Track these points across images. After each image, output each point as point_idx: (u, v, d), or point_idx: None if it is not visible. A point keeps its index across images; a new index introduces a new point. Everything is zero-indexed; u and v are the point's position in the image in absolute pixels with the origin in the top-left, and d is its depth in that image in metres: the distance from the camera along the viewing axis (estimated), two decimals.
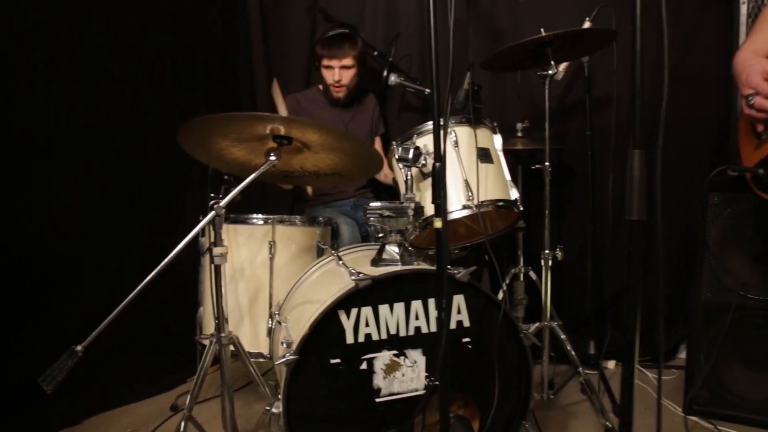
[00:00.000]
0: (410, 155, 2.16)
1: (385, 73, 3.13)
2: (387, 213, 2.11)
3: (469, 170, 2.25)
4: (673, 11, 3.05)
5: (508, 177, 2.35)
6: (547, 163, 2.58)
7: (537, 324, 2.68)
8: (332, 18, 3.53)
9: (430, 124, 2.30)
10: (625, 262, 3.11)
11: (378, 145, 3.42)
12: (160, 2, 3.16)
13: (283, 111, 3.00)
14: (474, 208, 2.19)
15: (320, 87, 3.31)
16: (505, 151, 2.41)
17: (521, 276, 2.88)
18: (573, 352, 2.66)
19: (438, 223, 1.56)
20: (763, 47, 1.76)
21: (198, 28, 3.39)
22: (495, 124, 2.39)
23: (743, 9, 2.76)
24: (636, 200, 1.20)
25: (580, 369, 2.66)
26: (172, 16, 3.23)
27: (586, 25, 2.72)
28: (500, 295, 2.87)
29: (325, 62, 3.14)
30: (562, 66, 2.85)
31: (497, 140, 2.38)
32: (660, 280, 2.10)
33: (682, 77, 3.01)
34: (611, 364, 3.15)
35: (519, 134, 2.88)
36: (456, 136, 2.28)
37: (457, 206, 2.22)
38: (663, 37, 1.29)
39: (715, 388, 2.59)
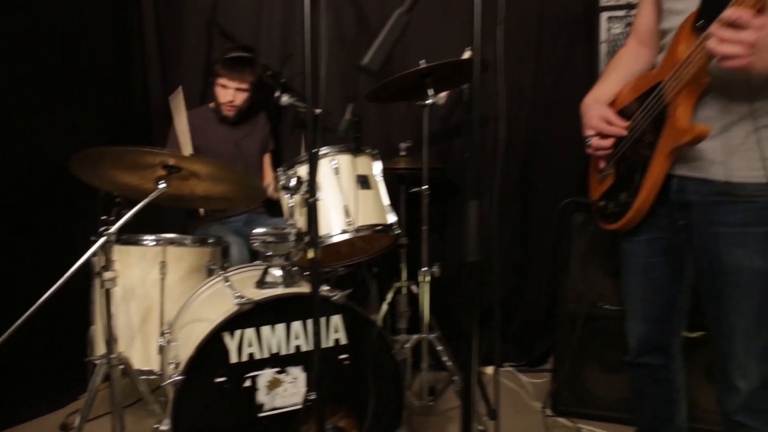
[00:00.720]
0: (292, 184, 2.31)
1: (277, 94, 3.26)
2: (270, 239, 2.26)
3: (348, 196, 2.42)
4: (550, 38, 3.32)
5: (386, 202, 2.53)
6: (425, 186, 2.78)
7: (416, 336, 2.89)
8: (229, 35, 3.63)
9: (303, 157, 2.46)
10: (505, 272, 3.39)
11: (267, 161, 3.54)
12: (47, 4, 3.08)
13: (182, 123, 3.07)
14: (351, 233, 2.36)
15: (211, 105, 3.40)
16: (389, 171, 2.59)
17: (403, 290, 3.08)
18: (449, 362, 2.88)
19: (311, 254, 1.71)
20: (604, 95, 1.91)
21: (89, 33, 3.34)
22: (376, 152, 2.57)
23: (602, 48, 3.05)
24: (472, 244, 1.36)
25: (455, 378, 2.88)
26: (60, 20, 3.16)
27: (466, 54, 2.95)
28: (383, 308, 3.09)
29: (222, 81, 3.24)
30: (443, 93, 3.07)
31: (377, 167, 2.56)
32: (495, 292, 2.31)
33: (557, 102, 3.28)
34: (489, 370, 3.40)
35: (402, 153, 3.08)
36: (338, 163, 2.44)
37: (337, 230, 2.38)
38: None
39: (577, 389, 2.89)
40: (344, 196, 2.42)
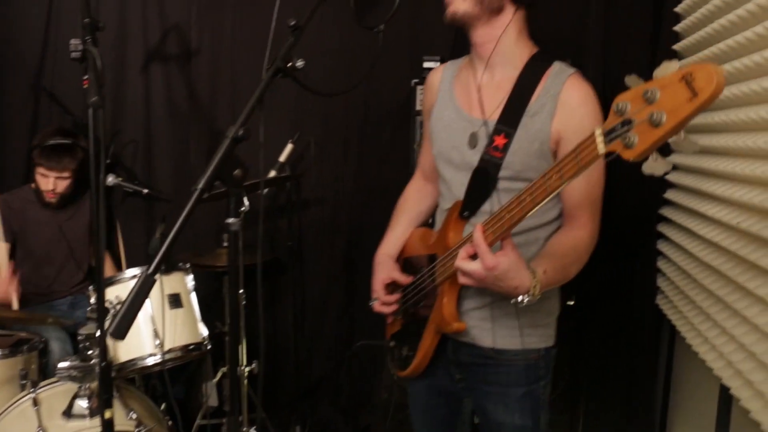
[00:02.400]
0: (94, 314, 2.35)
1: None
2: (74, 373, 2.30)
3: (158, 317, 2.48)
4: (374, 127, 3.47)
5: (198, 316, 2.62)
6: (241, 291, 2.87)
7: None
8: (57, 99, 3.53)
9: (122, 275, 2.51)
10: (328, 348, 3.54)
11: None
12: None
13: None
14: (161, 356, 2.44)
15: (33, 186, 3.30)
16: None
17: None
18: None
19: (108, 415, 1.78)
20: (395, 246, 2.01)
21: None
22: (188, 266, 2.64)
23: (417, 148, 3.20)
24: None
25: None
26: None
27: (287, 149, 3.07)
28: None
29: (41, 171, 3.16)
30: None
31: (189, 280, 2.63)
32: None
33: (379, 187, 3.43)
34: None
35: (225, 245, 3.14)
36: None
37: (146, 354, 2.45)
38: None
39: None
40: (153, 317, 2.48)
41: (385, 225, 3.38)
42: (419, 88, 2.96)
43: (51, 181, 3.18)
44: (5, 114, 3.59)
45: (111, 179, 3.16)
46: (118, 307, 2.40)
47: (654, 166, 1.10)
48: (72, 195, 3.30)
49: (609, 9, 2.97)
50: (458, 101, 1.82)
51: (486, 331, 1.76)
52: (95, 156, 1.67)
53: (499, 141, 1.66)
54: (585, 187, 1.66)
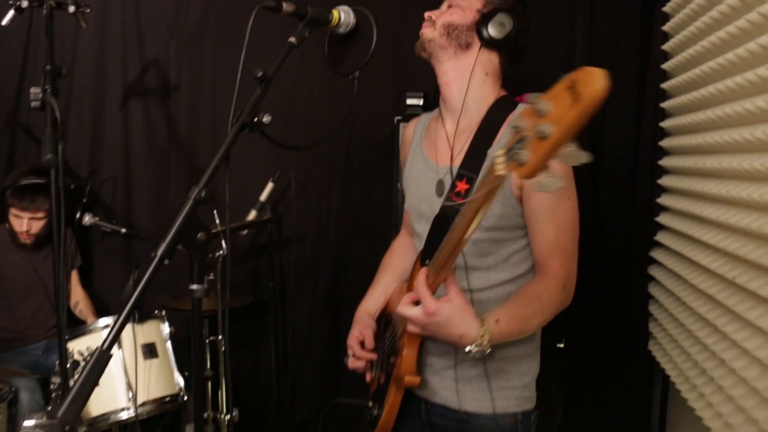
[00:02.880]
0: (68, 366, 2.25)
1: (78, 215, 3.14)
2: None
3: (132, 368, 2.38)
4: (358, 160, 3.35)
5: (174, 366, 2.51)
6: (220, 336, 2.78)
7: None
8: (34, 136, 3.45)
9: (93, 324, 2.41)
10: (312, 392, 3.43)
11: (75, 278, 3.39)
12: None
13: None
14: (133, 410, 2.33)
15: (6, 226, 3.21)
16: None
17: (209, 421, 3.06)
18: None
19: None
20: (375, 304, 1.96)
21: None
22: (164, 313, 2.54)
23: None
24: None
25: None
26: None
27: (251, 215, 3.03)
28: None
29: (15, 212, 3.07)
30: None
31: (165, 329, 2.53)
32: None
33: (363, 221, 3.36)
34: None
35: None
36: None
37: (118, 407, 2.34)
38: None
39: None
40: (126, 370, 2.38)
41: (369, 263, 3.29)
42: (402, 125, 2.90)
43: (25, 222, 3.09)
44: None
45: (88, 219, 3.10)
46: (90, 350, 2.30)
47: (543, 183, 1.01)
48: (47, 235, 3.20)
49: (595, 20, 2.94)
50: (426, 152, 1.78)
51: (454, 391, 1.68)
52: (56, 214, 1.58)
53: (461, 186, 1.61)
54: (553, 234, 1.59)
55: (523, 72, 1.88)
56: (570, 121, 0.94)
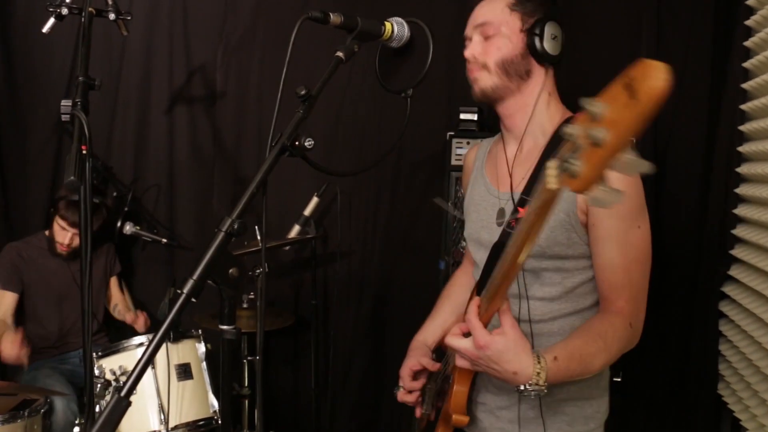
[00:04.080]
0: (99, 385, 2.17)
1: (119, 224, 3.09)
2: None
3: (165, 390, 2.29)
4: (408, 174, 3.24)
5: (209, 387, 2.41)
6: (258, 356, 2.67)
7: None
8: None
9: (127, 342, 2.32)
10: (351, 413, 3.30)
11: (114, 283, 3.33)
12: None
13: None
14: None
15: (47, 233, 3.16)
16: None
17: None
18: None
19: None
20: (433, 335, 1.83)
21: None
22: (200, 332, 2.45)
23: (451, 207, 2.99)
24: None
25: None
26: None
27: (294, 231, 2.92)
28: None
29: (62, 223, 3.02)
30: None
31: (201, 348, 2.44)
32: None
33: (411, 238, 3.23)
34: None
35: (245, 306, 2.94)
36: None
37: (150, 429, 2.25)
38: None
39: None
40: (160, 391, 2.29)
41: (415, 283, 3.21)
42: (455, 141, 2.76)
43: (68, 236, 3.04)
44: (28, 152, 3.47)
45: (129, 228, 3.04)
46: (122, 378, 2.22)
47: (599, 197, 0.86)
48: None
49: (660, 55, 2.74)
50: (488, 178, 1.67)
51: None
52: (84, 234, 1.48)
53: (524, 213, 1.46)
54: (621, 266, 1.43)
55: (582, 81, 1.72)
56: (626, 124, 0.81)
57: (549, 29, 1.48)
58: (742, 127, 2.44)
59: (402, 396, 1.77)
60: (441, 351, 1.78)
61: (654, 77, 0.78)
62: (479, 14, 1.54)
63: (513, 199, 1.53)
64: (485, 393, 1.61)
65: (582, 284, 1.51)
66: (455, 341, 1.35)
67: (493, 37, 1.51)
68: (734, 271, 2.44)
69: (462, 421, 1.49)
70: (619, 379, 2.61)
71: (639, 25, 2.80)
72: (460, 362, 1.38)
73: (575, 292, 1.52)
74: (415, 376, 1.74)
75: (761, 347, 2.12)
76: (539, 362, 1.30)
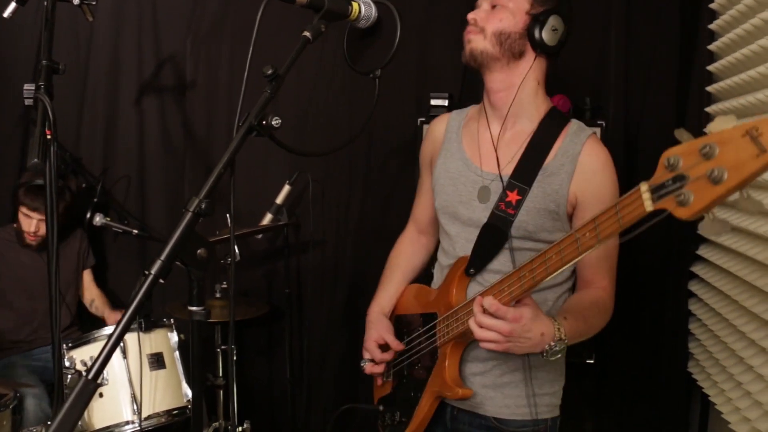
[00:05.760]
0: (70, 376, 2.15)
1: (88, 215, 3.05)
2: None
3: (137, 380, 2.27)
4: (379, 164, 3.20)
5: (182, 376, 2.40)
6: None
7: None
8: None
9: (98, 332, 2.30)
10: (327, 401, 3.29)
11: (88, 277, 3.29)
12: None
13: None
14: (139, 424, 2.22)
15: (15, 225, 3.11)
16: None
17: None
18: None
19: None
20: (388, 303, 1.88)
21: None
22: (172, 321, 2.43)
23: None
24: None
25: None
26: None
27: (266, 219, 2.93)
28: None
29: (25, 211, 2.97)
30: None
31: (173, 338, 2.42)
32: None
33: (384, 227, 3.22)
34: None
35: (218, 296, 2.92)
36: (124, 344, 2.28)
37: (123, 419, 2.23)
38: None
39: None
40: (132, 381, 2.27)
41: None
42: (426, 127, 2.77)
43: (34, 223, 2.99)
44: None
45: (99, 219, 3.00)
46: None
47: (712, 227, 1.01)
48: (63, 234, 3.12)
49: (630, 41, 2.77)
50: (467, 153, 1.69)
51: (489, 399, 1.63)
52: (50, 220, 1.46)
53: (513, 197, 1.57)
54: (604, 254, 1.57)
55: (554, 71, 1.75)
56: (751, 171, 0.92)
57: (552, 20, 1.53)
58: (708, 109, 2.48)
59: (370, 368, 1.81)
60: (397, 320, 1.83)
61: None
62: None
63: (502, 181, 1.58)
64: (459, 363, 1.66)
65: None
66: (488, 320, 1.39)
67: (499, 8, 1.56)
68: (703, 251, 2.48)
69: (467, 394, 1.58)
70: (591, 361, 2.66)
71: (608, 17, 2.82)
72: (488, 343, 1.41)
73: None
74: (381, 347, 1.78)
75: (729, 324, 2.16)
76: (555, 320, 1.43)
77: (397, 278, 1.92)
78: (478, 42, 1.57)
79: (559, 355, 1.43)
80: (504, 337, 1.38)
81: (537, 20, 1.54)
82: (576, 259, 1.28)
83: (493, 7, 1.57)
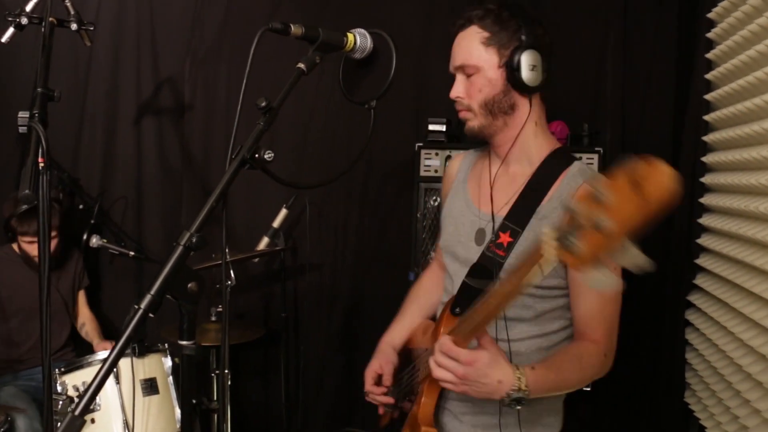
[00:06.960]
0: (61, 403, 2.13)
1: (85, 236, 3.05)
2: None
3: (129, 406, 2.25)
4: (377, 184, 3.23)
5: (175, 402, 2.38)
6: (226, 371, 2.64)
7: None
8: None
9: (92, 357, 2.28)
10: (323, 427, 3.28)
11: (82, 299, 3.27)
12: None
13: None
14: None
15: (15, 246, 3.10)
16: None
17: None
18: None
19: None
20: (399, 336, 1.85)
21: None
22: (166, 346, 2.41)
23: (419, 218, 2.99)
24: None
25: None
26: None
27: (263, 243, 2.90)
28: None
29: (26, 239, 2.96)
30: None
31: (167, 362, 2.40)
32: None
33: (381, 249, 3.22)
34: None
35: (213, 319, 2.91)
36: (117, 369, 2.27)
37: None
38: None
39: None
40: (125, 407, 2.25)
41: (385, 295, 3.19)
42: (424, 152, 2.77)
43: (36, 247, 2.97)
44: None
45: (95, 240, 3.00)
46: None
47: (597, 279, 0.96)
48: (61, 254, 3.12)
49: (627, 65, 2.79)
50: (470, 193, 1.68)
51: None
52: (43, 246, 1.46)
53: (504, 239, 1.53)
54: (597, 304, 1.50)
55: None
56: (628, 218, 0.89)
57: (526, 59, 1.46)
58: (707, 117, 2.50)
59: (370, 398, 1.79)
60: (406, 352, 1.80)
61: (664, 184, 0.85)
62: (457, 55, 1.55)
63: (494, 222, 1.56)
64: (450, 400, 1.64)
65: (553, 310, 1.56)
66: (444, 359, 1.36)
67: (473, 76, 1.52)
68: (700, 280, 2.47)
69: None
70: (589, 389, 2.63)
71: (606, 26, 2.84)
72: (448, 384, 1.38)
73: (545, 316, 1.56)
74: (380, 378, 1.76)
75: (726, 356, 2.14)
76: (518, 369, 1.36)
77: (412, 312, 1.90)
78: (472, 121, 1.55)
79: (520, 406, 1.36)
80: (458, 378, 1.35)
81: (511, 68, 1.48)
82: (507, 305, 1.28)
83: (469, 76, 1.53)
